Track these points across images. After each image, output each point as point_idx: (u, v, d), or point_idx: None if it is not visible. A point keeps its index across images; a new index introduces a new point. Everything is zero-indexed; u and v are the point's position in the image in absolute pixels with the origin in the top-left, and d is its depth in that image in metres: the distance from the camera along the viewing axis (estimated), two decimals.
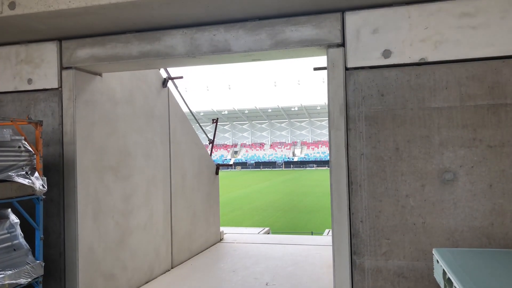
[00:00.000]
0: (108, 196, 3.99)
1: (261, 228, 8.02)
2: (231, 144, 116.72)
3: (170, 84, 5.39)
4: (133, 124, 4.53)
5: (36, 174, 3.81)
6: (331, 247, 3.80)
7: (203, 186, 6.20)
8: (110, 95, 4.08)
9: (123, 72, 4.10)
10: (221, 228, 7.56)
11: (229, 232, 7.62)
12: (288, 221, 26.28)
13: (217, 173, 6.43)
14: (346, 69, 3.69)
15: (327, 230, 7.50)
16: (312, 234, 14.30)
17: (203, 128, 6.81)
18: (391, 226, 3.68)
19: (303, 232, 21.55)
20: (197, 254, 5.98)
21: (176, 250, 5.32)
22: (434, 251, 3.17)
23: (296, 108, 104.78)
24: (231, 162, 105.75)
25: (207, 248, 6.34)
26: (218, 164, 6.53)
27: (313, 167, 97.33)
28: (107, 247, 3.94)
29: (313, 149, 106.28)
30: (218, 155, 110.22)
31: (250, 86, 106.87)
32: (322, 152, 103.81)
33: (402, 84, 3.64)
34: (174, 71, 5.58)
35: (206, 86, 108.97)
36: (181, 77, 5.36)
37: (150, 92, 5.03)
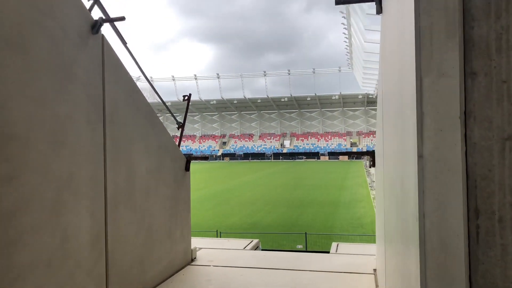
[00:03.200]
0: None
1: (247, 241, 6.10)
2: (219, 134, 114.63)
3: (108, 31, 3.47)
4: (26, 87, 2.62)
5: None
6: (348, 276, 1.94)
7: (164, 188, 4.23)
8: None
9: None
10: (195, 241, 5.63)
11: (205, 247, 5.69)
12: (278, 216, 24.50)
13: (187, 168, 4.47)
14: None
15: (334, 245, 5.60)
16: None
17: (169, 108, 4.83)
18: None
19: (296, 231, 19.76)
20: None
21: None
22: None
23: (286, 99, 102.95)
24: (219, 153, 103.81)
25: (170, 276, 4.39)
26: (189, 156, 4.58)
27: (302, 158, 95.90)
28: None
29: (302, 140, 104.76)
30: (206, 146, 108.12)
31: (239, 76, 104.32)
32: (311, 144, 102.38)
33: None
34: (113, 9, 3.61)
35: (194, 75, 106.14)
36: (123, 18, 3.37)
37: (66, 37, 3.06)
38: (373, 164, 4.34)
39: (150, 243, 4.03)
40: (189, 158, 4.76)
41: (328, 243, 17.25)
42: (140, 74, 4.32)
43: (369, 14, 40.33)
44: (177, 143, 4.99)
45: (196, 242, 5.78)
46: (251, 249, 5.72)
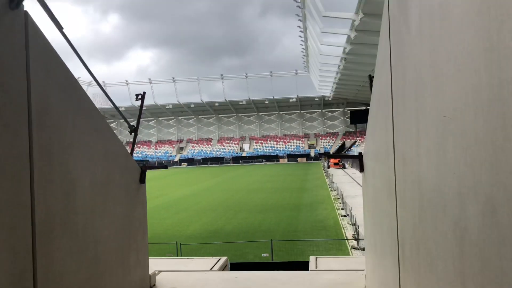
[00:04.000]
0: None
1: (214, 260, 5.35)
2: (176, 139, 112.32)
3: (34, 8, 2.66)
4: None
5: None
6: None
7: (114, 206, 3.44)
8: None
9: None
10: (153, 262, 4.83)
11: (166, 269, 4.89)
12: (240, 222, 23.80)
13: (142, 180, 3.69)
14: None
15: (312, 259, 4.99)
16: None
17: (120, 111, 4.05)
18: None
19: (260, 237, 19.11)
20: None
21: None
22: None
23: (244, 102, 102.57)
24: (177, 159, 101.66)
25: None
26: (145, 165, 3.80)
27: (262, 162, 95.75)
28: None
29: (261, 144, 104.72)
30: (163, 152, 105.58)
31: (195, 79, 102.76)
32: (270, 147, 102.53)
33: None
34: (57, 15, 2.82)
35: (149, 79, 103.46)
36: None
37: None
38: (362, 169, 3.77)
39: (97, 276, 3.23)
40: (144, 167, 3.98)
41: (293, 249, 16.77)
42: (91, 79, 3.52)
43: (325, 17, 40.64)
44: (130, 151, 4.20)
45: (155, 264, 4.98)
46: (219, 269, 5.00)
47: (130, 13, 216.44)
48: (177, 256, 13.88)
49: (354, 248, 16.68)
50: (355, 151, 76.20)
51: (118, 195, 3.50)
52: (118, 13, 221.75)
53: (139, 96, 4.27)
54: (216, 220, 24.84)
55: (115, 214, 3.45)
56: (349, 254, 16.00)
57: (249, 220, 24.38)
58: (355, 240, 18.04)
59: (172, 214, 28.02)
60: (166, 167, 4.24)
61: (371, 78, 4.08)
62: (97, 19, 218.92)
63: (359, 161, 3.77)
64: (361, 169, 3.75)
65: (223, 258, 5.42)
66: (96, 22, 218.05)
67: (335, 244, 17.75)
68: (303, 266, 9.10)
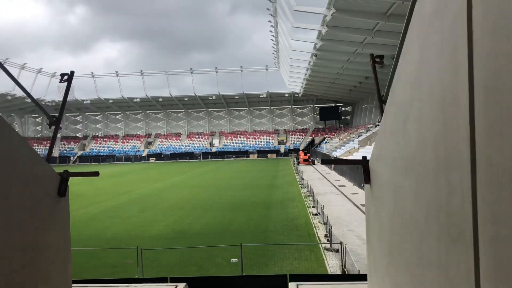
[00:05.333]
0: None
1: (171, 287, 4.31)
2: (144, 134, 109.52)
3: None
4: None
5: None
6: None
7: (11, 233, 2.35)
8: None
9: None
10: None
11: None
12: (208, 221, 22.75)
13: (62, 192, 2.61)
14: None
15: (293, 286, 4.03)
16: None
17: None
18: None
19: (229, 238, 18.14)
20: None
21: None
22: None
23: (214, 97, 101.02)
24: (145, 154, 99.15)
25: None
26: (66, 172, 2.75)
27: (232, 157, 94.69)
28: None
29: (231, 139, 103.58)
30: (130, 146, 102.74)
31: (164, 73, 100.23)
32: (240, 143, 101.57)
33: None
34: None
35: (115, 71, 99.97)
36: None
37: None
38: (367, 180, 2.85)
39: None
40: (66, 175, 2.92)
41: (264, 252, 15.88)
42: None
43: (297, 11, 39.92)
44: (52, 150, 3.13)
45: None
46: None
47: (97, 4, 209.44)
48: (137, 262, 12.72)
49: (327, 250, 15.99)
50: (324, 147, 76.38)
51: (16, 215, 2.44)
52: (85, 4, 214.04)
53: (65, 77, 3.20)
54: (183, 219, 23.70)
55: (13, 244, 2.38)
56: (322, 257, 15.29)
57: (218, 219, 23.38)
58: (328, 241, 17.38)
59: (137, 212, 26.65)
60: (97, 174, 3.19)
61: (374, 57, 3.18)
62: (63, 10, 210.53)
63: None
64: (367, 180, 2.83)
65: (181, 286, 4.30)
66: (62, 13, 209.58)
67: (308, 246, 17.02)
68: (278, 281, 8.18)
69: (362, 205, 26.26)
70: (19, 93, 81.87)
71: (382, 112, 2.84)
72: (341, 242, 13.72)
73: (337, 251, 15.55)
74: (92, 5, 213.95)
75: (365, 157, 2.90)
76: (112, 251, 15.74)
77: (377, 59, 3.10)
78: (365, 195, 3.16)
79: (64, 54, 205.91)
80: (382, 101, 2.90)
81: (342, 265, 13.67)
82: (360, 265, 14.15)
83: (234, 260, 13.62)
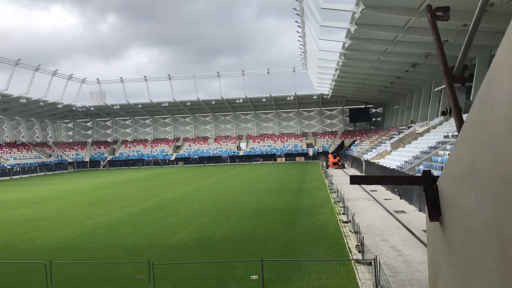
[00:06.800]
0: None
1: None
2: (172, 138, 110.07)
3: None
4: None
5: None
6: None
7: None
8: None
9: None
10: None
11: None
12: (231, 229, 21.68)
13: None
14: None
15: None
16: None
17: None
18: None
19: (252, 247, 17.01)
20: None
21: None
22: None
23: (241, 100, 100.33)
24: (173, 158, 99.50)
25: None
26: None
27: (259, 161, 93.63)
28: None
29: (258, 142, 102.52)
30: (159, 150, 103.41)
31: (192, 77, 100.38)
32: (268, 146, 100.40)
33: None
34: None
35: (144, 76, 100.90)
36: None
37: None
38: (433, 214, 1.65)
39: None
40: None
41: (290, 267, 14.60)
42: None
43: (324, 10, 38.45)
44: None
45: None
46: None
47: (127, 13, 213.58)
48: (149, 278, 11.74)
49: (358, 263, 14.58)
50: (354, 150, 74.14)
51: None
52: (116, 13, 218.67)
53: None
54: (206, 226, 22.73)
55: None
56: (353, 270, 13.91)
57: (242, 227, 22.29)
58: (359, 252, 15.97)
59: (160, 218, 25.92)
60: None
61: (433, 10, 1.98)
62: (95, 19, 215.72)
63: (425, 193, 1.65)
64: (433, 215, 1.64)
65: None
66: (94, 22, 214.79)
67: (336, 258, 15.66)
68: None
69: (396, 211, 24.53)
70: (35, 96, 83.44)
71: (451, 90, 1.65)
72: (375, 257, 12.33)
73: (369, 264, 14.15)
74: (122, 14, 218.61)
75: (428, 171, 1.69)
76: (122, 265, 14.88)
77: (439, 13, 1.91)
78: (428, 235, 1.95)
79: (96, 61, 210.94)
80: (452, 75, 1.70)
81: (376, 281, 12.27)
82: (395, 281, 12.73)
83: (254, 277, 12.45)
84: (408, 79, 57.74)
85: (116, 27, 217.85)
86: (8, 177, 74.42)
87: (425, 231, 19.31)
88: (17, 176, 76.62)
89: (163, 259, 16.32)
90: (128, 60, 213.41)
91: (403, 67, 51.63)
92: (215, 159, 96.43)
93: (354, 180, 2.47)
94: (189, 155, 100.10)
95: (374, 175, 20.73)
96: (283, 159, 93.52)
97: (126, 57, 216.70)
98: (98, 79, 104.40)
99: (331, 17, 43.84)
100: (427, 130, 47.00)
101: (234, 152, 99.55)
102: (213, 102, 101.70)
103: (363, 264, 14.44)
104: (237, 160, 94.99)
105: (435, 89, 51.02)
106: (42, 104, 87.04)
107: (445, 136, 36.92)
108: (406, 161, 38.46)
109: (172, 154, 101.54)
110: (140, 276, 12.58)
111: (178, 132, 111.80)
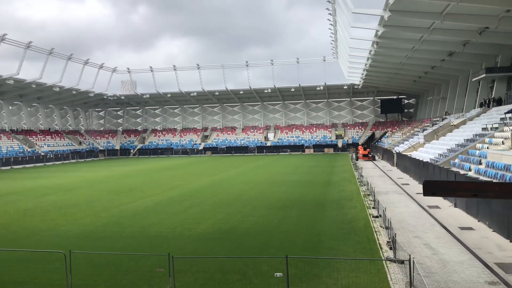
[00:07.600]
0: None
1: None
2: (201, 128, 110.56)
3: None
4: None
5: None
6: None
7: None
8: None
9: None
10: None
11: None
12: (256, 221, 21.15)
13: None
14: None
15: None
16: None
17: None
18: None
19: (277, 240, 16.43)
20: None
21: None
22: None
23: (269, 90, 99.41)
24: (201, 147, 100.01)
25: None
26: None
27: (287, 152, 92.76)
28: None
29: (286, 133, 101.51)
30: (187, 140, 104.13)
31: (220, 67, 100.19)
32: (296, 137, 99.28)
33: None
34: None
35: (173, 65, 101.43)
36: None
37: None
38: None
39: None
40: None
41: (316, 263, 13.92)
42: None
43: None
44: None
45: None
46: None
47: (158, 3, 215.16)
48: (169, 271, 11.32)
49: (390, 261, 13.74)
50: (385, 142, 72.16)
51: None
52: (147, 4, 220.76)
53: None
54: (231, 217, 22.31)
55: None
56: (383, 269, 13.09)
57: (268, 218, 21.73)
58: (390, 249, 15.10)
59: (185, 208, 25.71)
60: None
61: None
62: (127, 10, 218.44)
63: None
64: None
65: None
66: (126, 12, 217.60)
67: (366, 254, 14.86)
68: None
69: (429, 206, 23.35)
70: (67, 85, 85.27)
71: None
72: (409, 256, 11.47)
73: (402, 262, 13.29)
74: (153, 4, 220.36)
75: None
76: (142, 257, 14.58)
77: None
78: None
79: (128, 51, 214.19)
80: None
81: (410, 282, 11.42)
82: (430, 282, 11.85)
83: (278, 274, 11.83)
84: (444, 69, 55.32)
85: (147, 17, 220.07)
86: (42, 164, 76.67)
87: (461, 228, 18.16)
88: (51, 163, 78.83)
89: (187, 250, 15.97)
90: (158, 51, 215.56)
91: (438, 56, 49.39)
92: (243, 149, 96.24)
93: (429, 188, 1.69)
94: (216, 145, 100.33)
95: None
96: (312, 150, 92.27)
97: (156, 47, 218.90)
98: (128, 68, 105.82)
99: (363, 4, 42.13)
100: (463, 122, 44.91)
101: (261, 142, 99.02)
102: (241, 92, 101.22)
103: (395, 262, 13.59)
104: (264, 151, 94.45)
105: (473, 79, 48.62)
106: (75, 92, 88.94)
107: (484, 129, 35.01)
108: (440, 154, 36.84)
109: (200, 144, 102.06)
110: (160, 269, 12.21)
111: (206, 121, 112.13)
